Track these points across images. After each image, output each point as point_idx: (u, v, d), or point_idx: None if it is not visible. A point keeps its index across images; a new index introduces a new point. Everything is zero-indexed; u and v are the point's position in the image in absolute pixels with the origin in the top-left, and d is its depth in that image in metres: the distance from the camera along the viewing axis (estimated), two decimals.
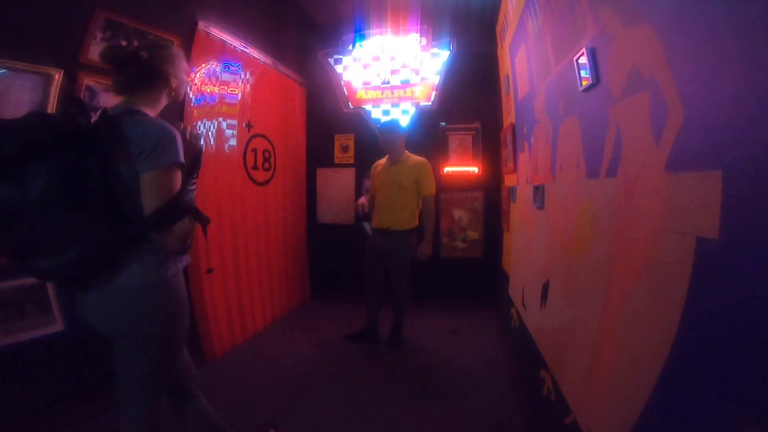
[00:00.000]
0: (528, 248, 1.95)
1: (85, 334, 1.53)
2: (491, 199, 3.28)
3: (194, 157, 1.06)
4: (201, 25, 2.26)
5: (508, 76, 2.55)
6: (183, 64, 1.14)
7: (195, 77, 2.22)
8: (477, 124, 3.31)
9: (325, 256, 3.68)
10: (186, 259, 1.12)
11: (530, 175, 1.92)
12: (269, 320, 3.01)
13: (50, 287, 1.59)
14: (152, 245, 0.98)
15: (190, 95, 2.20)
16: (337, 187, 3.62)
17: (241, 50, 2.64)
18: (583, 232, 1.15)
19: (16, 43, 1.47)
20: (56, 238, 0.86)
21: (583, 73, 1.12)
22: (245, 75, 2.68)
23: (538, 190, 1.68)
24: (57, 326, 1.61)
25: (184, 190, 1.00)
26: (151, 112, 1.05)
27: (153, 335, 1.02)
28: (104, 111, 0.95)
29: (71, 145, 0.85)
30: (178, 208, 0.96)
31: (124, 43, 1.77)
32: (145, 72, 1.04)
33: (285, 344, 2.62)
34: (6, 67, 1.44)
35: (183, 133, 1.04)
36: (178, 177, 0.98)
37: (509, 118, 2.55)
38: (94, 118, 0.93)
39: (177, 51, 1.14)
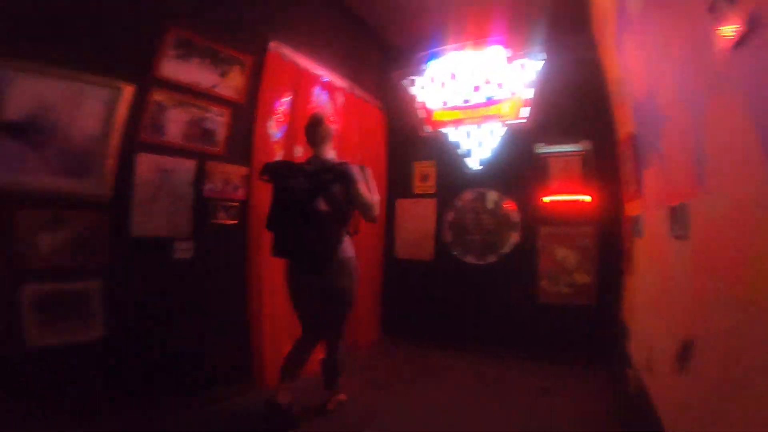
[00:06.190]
0: (661, 294, 1.38)
1: (129, 340, 1.61)
2: (608, 234, 2.61)
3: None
4: (272, 45, 2.23)
5: (617, 79, 2.06)
6: None
7: (278, 108, 2.24)
8: (586, 143, 2.76)
9: (400, 293, 3.36)
10: None
11: (662, 193, 1.40)
12: None
13: (96, 294, 1.60)
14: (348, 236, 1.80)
15: (272, 130, 2.23)
16: (416, 219, 3.38)
17: (316, 73, 2.54)
18: (762, 264, 0.68)
19: (91, 56, 1.55)
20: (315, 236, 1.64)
21: (726, 27, 0.72)
22: (321, 100, 2.64)
23: (677, 212, 1.18)
24: (97, 332, 1.59)
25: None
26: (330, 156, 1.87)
27: (352, 289, 1.77)
28: (339, 163, 1.78)
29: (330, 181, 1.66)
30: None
31: (196, 60, 1.91)
32: (327, 132, 1.86)
33: (344, 382, 2.38)
34: (81, 80, 1.52)
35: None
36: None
37: (626, 128, 2.02)
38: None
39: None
